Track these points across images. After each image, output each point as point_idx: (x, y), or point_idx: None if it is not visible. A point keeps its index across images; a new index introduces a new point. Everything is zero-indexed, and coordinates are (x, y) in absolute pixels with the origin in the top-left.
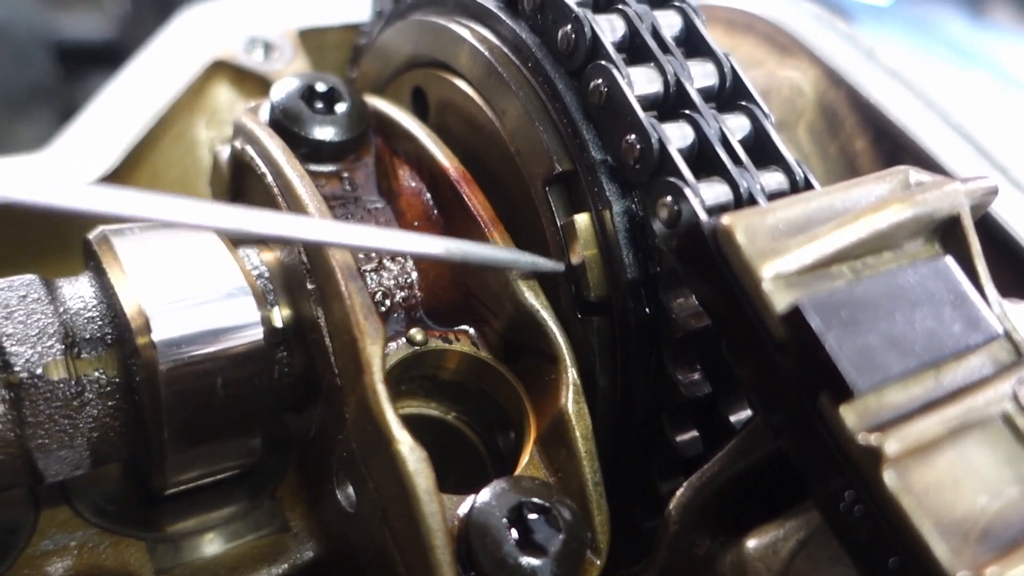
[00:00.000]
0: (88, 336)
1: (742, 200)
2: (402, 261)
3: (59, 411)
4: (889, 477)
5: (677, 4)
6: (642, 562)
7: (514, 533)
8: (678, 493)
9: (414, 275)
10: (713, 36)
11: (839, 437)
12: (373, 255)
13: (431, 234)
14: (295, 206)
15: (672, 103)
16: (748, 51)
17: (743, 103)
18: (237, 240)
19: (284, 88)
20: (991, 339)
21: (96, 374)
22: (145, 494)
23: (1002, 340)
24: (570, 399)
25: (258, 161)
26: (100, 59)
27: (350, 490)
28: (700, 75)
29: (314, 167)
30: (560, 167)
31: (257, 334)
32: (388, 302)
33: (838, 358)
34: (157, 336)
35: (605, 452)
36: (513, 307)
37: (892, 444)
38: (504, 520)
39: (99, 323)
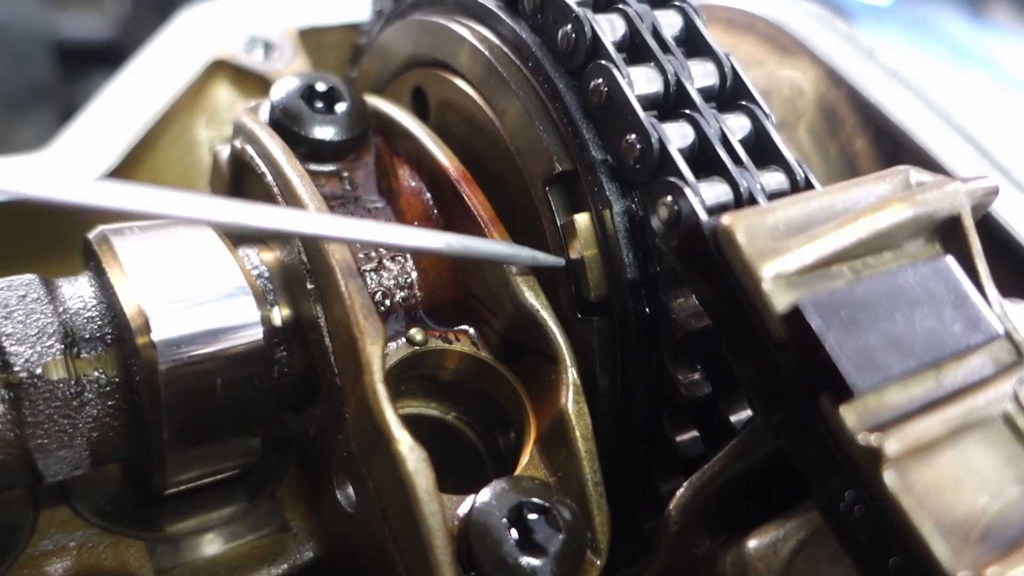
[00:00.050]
0: (88, 336)
1: (742, 200)
2: (402, 261)
3: (59, 411)
4: (889, 477)
5: (677, 4)
6: (642, 562)
7: (514, 533)
8: (678, 493)
9: (414, 275)
10: (713, 36)
11: (839, 437)
12: (373, 255)
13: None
14: (295, 205)
15: (672, 103)
16: (748, 51)
17: (743, 103)
18: (237, 240)
19: (284, 88)
20: (992, 339)
21: (96, 374)
22: (145, 494)
23: (1003, 340)
24: (570, 399)
25: (258, 161)
26: (100, 59)
27: (350, 490)
28: (700, 75)
29: (314, 167)
30: (560, 167)
31: (257, 334)
32: (388, 302)
33: (838, 358)
34: (157, 336)
35: (605, 452)
36: (513, 307)
37: (892, 444)
38: (504, 520)
39: (99, 323)
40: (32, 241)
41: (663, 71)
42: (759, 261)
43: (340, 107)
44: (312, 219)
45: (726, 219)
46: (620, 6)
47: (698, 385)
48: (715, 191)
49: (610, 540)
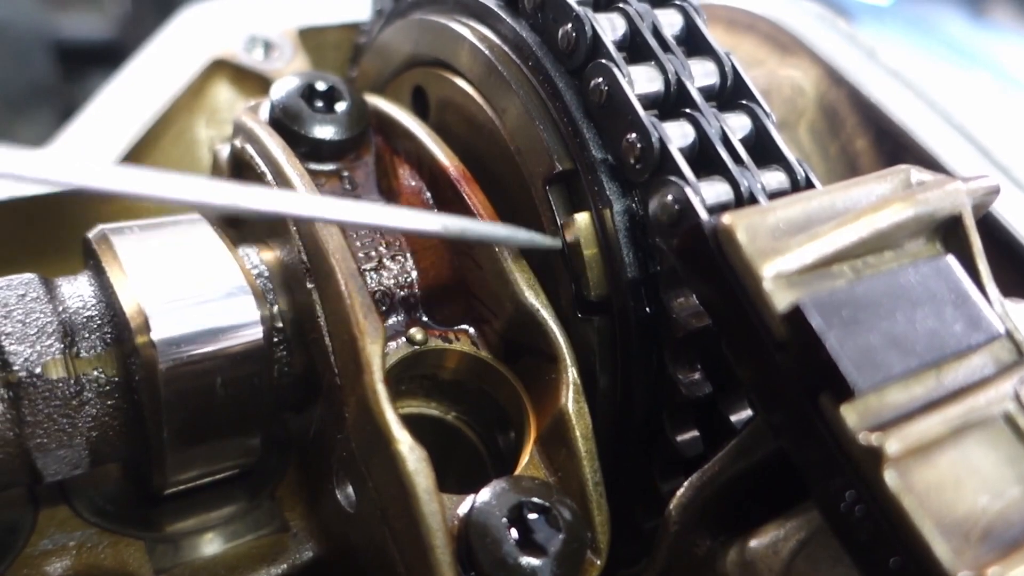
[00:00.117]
0: (87, 335)
1: (743, 199)
2: (402, 260)
3: (58, 410)
4: (890, 477)
5: (678, 3)
6: (642, 562)
7: (514, 533)
8: (678, 493)
9: (414, 274)
10: (714, 35)
11: (840, 437)
12: (373, 254)
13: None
14: None
15: (673, 102)
16: (749, 50)
17: (744, 102)
18: (237, 240)
19: (284, 87)
20: (993, 339)
21: (95, 373)
22: (144, 494)
23: (1004, 340)
24: (570, 399)
25: (258, 160)
26: (100, 59)
27: (350, 490)
28: (701, 74)
29: (314, 166)
30: (560, 166)
31: (257, 333)
32: (388, 301)
33: (839, 357)
34: (156, 335)
35: (605, 452)
36: (513, 306)
37: (893, 444)
38: (504, 520)
39: (98, 322)
40: (32, 240)
41: (664, 70)
42: (760, 260)
43: (340, 106)
44: (312, 201)
45: (727, 218)
46: (620, 5)
47: (698, 385)
48: (715, 190)
49: (610, 540)
